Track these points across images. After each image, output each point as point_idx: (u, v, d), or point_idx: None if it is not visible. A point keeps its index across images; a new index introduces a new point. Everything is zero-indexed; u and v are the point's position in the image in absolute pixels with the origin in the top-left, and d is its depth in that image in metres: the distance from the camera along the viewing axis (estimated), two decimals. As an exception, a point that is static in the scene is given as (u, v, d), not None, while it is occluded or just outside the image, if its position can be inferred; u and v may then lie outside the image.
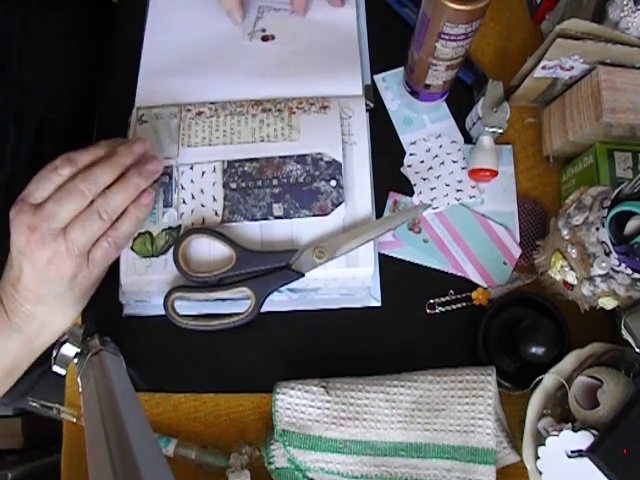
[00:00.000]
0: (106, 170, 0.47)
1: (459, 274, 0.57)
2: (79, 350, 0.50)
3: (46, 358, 0.68)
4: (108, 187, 0.47)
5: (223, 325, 0.53)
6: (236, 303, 0.54)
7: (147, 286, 0.53)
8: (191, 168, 0.54)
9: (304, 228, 0.53)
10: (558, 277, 0.51)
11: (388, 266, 0.57)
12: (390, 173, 0.60)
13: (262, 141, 0.55)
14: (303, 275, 0.52)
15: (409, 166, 0.60)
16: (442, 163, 0.60)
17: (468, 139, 0.61)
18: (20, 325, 0.49)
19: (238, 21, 0.61)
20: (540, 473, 0.48)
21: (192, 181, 0.54)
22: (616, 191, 0.46)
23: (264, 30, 0.61)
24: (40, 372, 0.72)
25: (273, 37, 0.61)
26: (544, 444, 0.47)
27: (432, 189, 0.59)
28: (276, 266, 0.52)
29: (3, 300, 0.49)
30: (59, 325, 0.52)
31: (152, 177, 0.50)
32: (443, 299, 0.57)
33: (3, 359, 0.51)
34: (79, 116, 0.64)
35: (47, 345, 0.52)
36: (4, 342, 0.50)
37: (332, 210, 0.53)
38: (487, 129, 0.57)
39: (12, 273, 0.48)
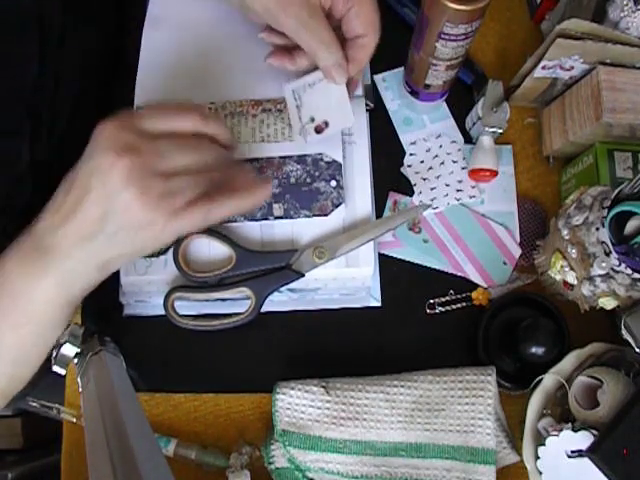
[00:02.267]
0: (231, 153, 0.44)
1: (459, 274, 0.57)
2: (79, 350, 0.50)
3: (49, 359, 0.68)
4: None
5: (223, 325, 0.53)
6: (236, 303, 0.54)
7: (147, 286, 0.53)
8: (191, 168, 0.54)
9: (304, 228, 0.53)
10: (558, 277, 0.51)
11: (388, 266, 0.57)
12: (390, 173, 0.60)
13: (262, 141, 0.55)
14: (303, 275, 0.52)
15: (409, 166, 0.60)
16: (442, 163, 0.60)
17: (468, 139, 0.61)
18: (55, 262, 0.42)
19: (342, 81, 0.51)
20: (540, 473, 0.48)
21: (192, 181, 0.54)
22: (616, 191, 0.46)
23: (313, 119, 0.53)
24: (41, 373, 0.72)
25: (326, 124, 0.52)
26: (544, 444, 0.47)
27: (432, 189, 0.59)
28: (276, 266, 0.52)
29: (42, 236, 0.42)
30: (88, 280, 0.44)
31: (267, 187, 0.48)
32: (443, 299, 0.57)
33: (40, 300, 0.43)
34: (78, 115, 0.64)
35: (81, 297, 0.45)
36: (39, 281, 0.42)
37: (332, 210, 0.53)
38: (487, 129, 0.57)
39: (67, 199, 0.40)
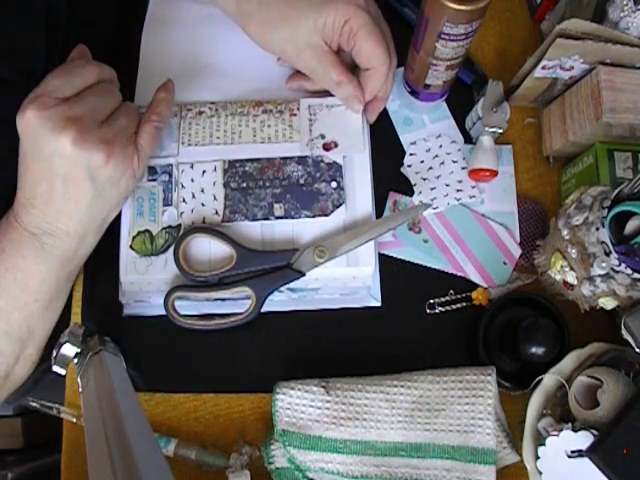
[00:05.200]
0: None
1: (459, 274, 0.57)
2: (79, 350, 0.50)
3: (46, 355, 0.68)
4: None
5: (223, 325, 0.53)
6: (236, 303, 0.54)
7: (147, 286, 0.53)
8: (191, 167, 0.54)
9: (305, 228, 0.53)
10: (558, 277, 0.51)
11: (388, 266, 0.57)
12: (390, 173, 0.60)
13: (263, 142, 0.55)
14: (304, 275, 0.52)
15: (409, 166, 0.60)
16: (442, 163, 0.60)
17: (468, 139, 0.61)
18: (56, 246, 0.47)
19: (359, 110, 0.55)
20: (540, 473, 0.48)
21: (192, 180, 0.54)
22: (616, 191, 0.46)
23: (323, 136, 0.55)
24: (41, 370, 0.72)
25: (336, 144, 0.54)
26: (544, 444, 0.47)
27: (432, 189, 0.59)
28: (277, 265, 0.52)
29: (28, 227, 0.46)
30: (90, 244, 0.50)
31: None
32: (443, 299, 0.57)
33: (41, 287, 0.48)
34: None
35: (81, 265, 0.51)
36: (40, 268, 0.47)
37: (332, 211, 0.53)
38: (487, 129, 0.57)
39: (37, 190, 0.45)
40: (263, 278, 0.52)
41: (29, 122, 0.42)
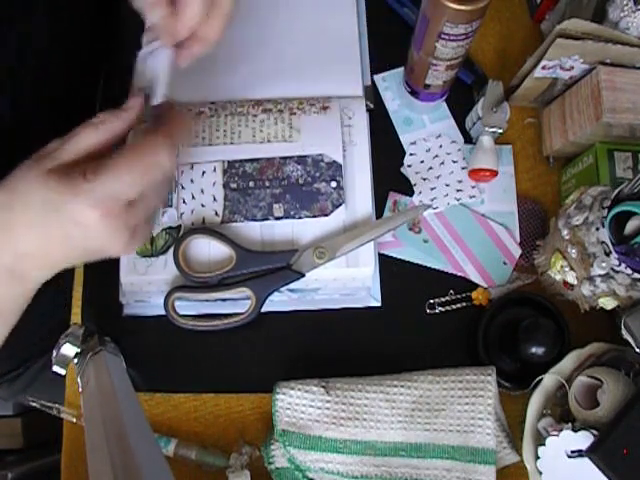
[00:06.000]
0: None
1: (459, 274, 0.57)
2: (79, 350, 0.50)
3: (44, 352, 0.68)
4: None
5: (223, 325, 0.53)
6: (236, 303, 0.54)
7: (147, 286, 0.53)
8: (191, 168, 0.54)
9: (304, 229, 0.53)
10: (558, 277, 0.51)
11: (388, 266, 0.57)
12: (390, 173, 0.60)
13: (262, 142, 0.55)
14: (303, 275, 0.52)
15: (409, 166, 0.60)
16: (442, 163, 0.60)
17: (468, 139, 0.61)
18: (10, 265, 0.42)
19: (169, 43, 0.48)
20: (540, 473, 0.48)
21: (192, 181, 0.54)
22: (616, 191, 0.46)
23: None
24: (39, 367, 0.72)
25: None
26: (544, 444, 0.47)
27: (432, 189, 0.59)
28: (276, 266, 0.52)
29: None
30: (53, 260, 0.44)
31: None
32: (443, 299, 0.57)
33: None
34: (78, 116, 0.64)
35: (41, 281, 0.44)
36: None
37: (332, 211, 0.53)
38: (487, 129, 0.57)
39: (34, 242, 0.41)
40: (263, 279, 0.52)
41: (89, 221, 0.40)
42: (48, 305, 0.57)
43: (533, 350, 0.51)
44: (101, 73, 0.63)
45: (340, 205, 0.53)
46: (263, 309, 0.52)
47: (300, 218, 0.53)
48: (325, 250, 0.52)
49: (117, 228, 0.41)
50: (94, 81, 0.64)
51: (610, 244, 0.45)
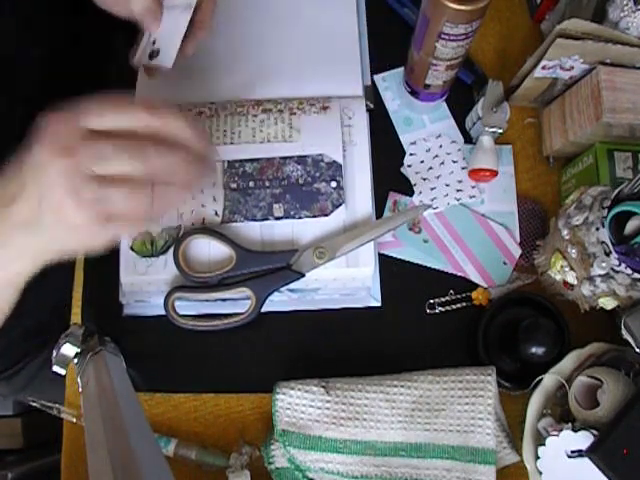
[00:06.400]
0: (181, 157, 0.40)
1: (459, 274, 0.57)
2: (79, 350, 0.50)
3: (42, 349, 0.68)
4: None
5: (223, 325, 0.53)
6: (236, 303, 0.54)
7: (147, 286, 0.53)
8: (191, 168, 0.54)
9: (304, 229, 0.53)
10: (558, 277, 0.51)
11: (388, 266, 0.57)
12: (390, 173, 0.60)
13: (262, 142, 0.55)
14: (303, 275, 0.52)
15: (409, 166, 0.60)
16: (442, 163, 0.60)
17: (468, 139, 0.61)
18: None
19: (154, 28, 0.49)
20: (540, 473, 0.48)
21: (192, 181, 0.54)
22: (616, 191, 0.46)
23: (154, 42, 0.50)
24: (38, 364, 0.72)
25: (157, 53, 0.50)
26: (544, 444, 0.47)
27: (432, 189, 0.59)
28: (276, 266, 0.52)
29: None
30: (21, 266, 0.43)
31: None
32: (443, 299, 0.57)
33: None
34: None
35: (18, 282, 0.43)
36: None
37: (332, 211, 0.53)
38: (487, 129, 0.57)
39: (10, 185, 0.39)
40: (263, 279, 0.52)
41: (47, 169, 0.37)
42: (45, 300, 0.57)
43: (533, 350, 0.51)
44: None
45: (340, 205, 0.53)
46: (263, 309, 0.52)
47: (300, 218, 0.53)
48: (325, 250, 0.52)
49: (54, 132, 0.37)
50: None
51: (610, 244, 0.45)
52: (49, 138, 0.37)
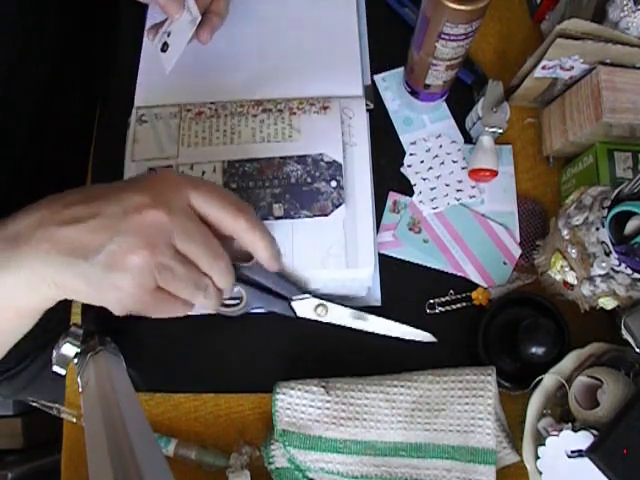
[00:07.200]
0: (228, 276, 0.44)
1: (459, 274, 0.57)
2: (79, 350, 0.50)
3: (43, 349, 0.68)
4: None
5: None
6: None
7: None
8: (191, 168, 0.54)
9: (304, 229, 0.53)
10: (558, 277, 0.51)
11: (388, 266, 0.57)
12: (390, 173, 0.60)
13: (262, 141, 0.55)
14: (296, 317, 0.52)
15: (409, 166, 0.60)
16: (442, 163, 0.60)
17: (468, 139, 0.61)
18: (17, 258, 0.38)
19: (176, 16, 0.53)
20: (540, 473, 0.48)
21: (192, 181, 0.54)
22: (616, 191, 0.46)
23: (169, 34, 0.54)
24: (40, 365, 0.72)
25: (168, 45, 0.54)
26: (544, 444, 0.47)
27: (432, 189, 0.59)
28: (278, 292, 0.52)
29: (22, 226, 0.39)
30: (36, 295, 0.41)
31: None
32: (443, 299, 0.57)
33: None
34: (78, 115, 0.64)
35: (34, 307, 0.42)
36: None
37: (332, 211, 0.53)
38: (487, 129, 0.57)
39: (78, 206, 0.39)
40: (260, 293, 0.51)
41: (127, 236, 0.38)
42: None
43: (533, 350, 0.51)
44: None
45: (340, 205, 0.53)
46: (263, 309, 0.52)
47: (300, 218, 0.53)
48: (327, 310, 0.53)
49: (146, 270, 0.38)
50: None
51: (610, 244, 0.45)
52: (148, 230, 0.38)
